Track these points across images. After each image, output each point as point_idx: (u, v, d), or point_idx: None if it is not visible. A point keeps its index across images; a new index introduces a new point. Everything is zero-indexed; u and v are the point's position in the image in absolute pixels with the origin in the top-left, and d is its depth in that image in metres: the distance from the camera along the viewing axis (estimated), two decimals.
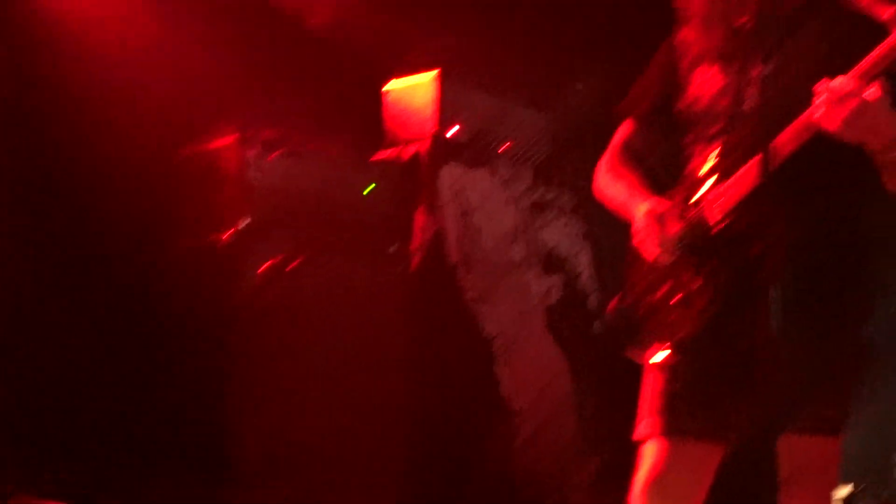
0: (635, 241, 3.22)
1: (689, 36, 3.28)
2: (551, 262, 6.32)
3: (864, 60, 2.74)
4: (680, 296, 3.18)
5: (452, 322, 5.84)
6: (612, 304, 3.45)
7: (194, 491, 5.05)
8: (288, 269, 4.96)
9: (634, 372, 3.40)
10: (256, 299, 5.00)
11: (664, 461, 3.20)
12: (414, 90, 6.12)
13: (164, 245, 5.48)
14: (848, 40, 2.93)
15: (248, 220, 5.31)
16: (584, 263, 6.48)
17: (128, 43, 5.73)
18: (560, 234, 6.41)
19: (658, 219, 3.17)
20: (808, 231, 2.96)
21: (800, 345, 2.95)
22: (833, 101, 2.71)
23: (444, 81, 6.07)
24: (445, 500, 5.71)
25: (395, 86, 6.17)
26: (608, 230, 3.56)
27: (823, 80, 2.74)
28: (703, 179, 3.18)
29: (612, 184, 3.45)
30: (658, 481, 3.19)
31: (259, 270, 5.00)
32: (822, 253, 3.04)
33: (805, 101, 2.94)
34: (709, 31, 3.21)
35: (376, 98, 6.21)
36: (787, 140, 2.90)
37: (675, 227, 3.15)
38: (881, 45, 2.73)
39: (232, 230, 5.29)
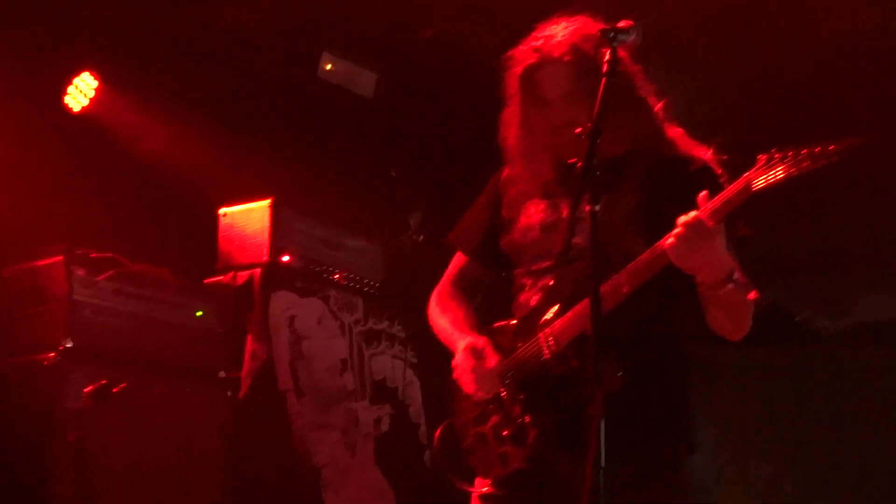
0: (454, 376, 3.29)
1: (516, 172, 3.42)
2: (381, 393, 6.34)
3: (712, 202, 2.90)
4: (510, 429, 3.24)
5: (281, 449, 5.78)
6: (439, 431, 3.50)
7: None
8: (113, 392, 4.85)
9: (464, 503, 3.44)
10: (80, 422, 4.87)
11: None
12: (248, 216, 6.14)
13: None
14: (668, 184, 3.13)
15: (71, 342, 5.20)
16: (413, 395, 6.52)
17: None
18: (391, 364, 6.45)
19: (475, 355, 3.24)
20: (635, 370, 3.06)
21: (624, 482, 3.03)
22: (684, 231, 2.86)
23: (279, 209, 6.11)
24: None
25: (230, 211, 6.18)
26: (439, 361, 3.62)
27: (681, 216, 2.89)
28: (535, 313, 3.28)
29: (440, 316, 3.54)
30: None
31: (83, 393, 4.88)
32: (648, 391, 3.15)
33: (630, 238, 3.11)
34: (537, 169, 3.36)
35: (210, 223, 6.21)
36: (628, 277, 3.03)
37: (493, 363, 3.22)
38: (726, 191, 2.90)
39: (55, 351, 5.17)
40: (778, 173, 2.80)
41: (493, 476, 3.29)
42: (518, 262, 3.40)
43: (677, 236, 2.88)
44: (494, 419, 3.30)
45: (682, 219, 2.88)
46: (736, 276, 2.97)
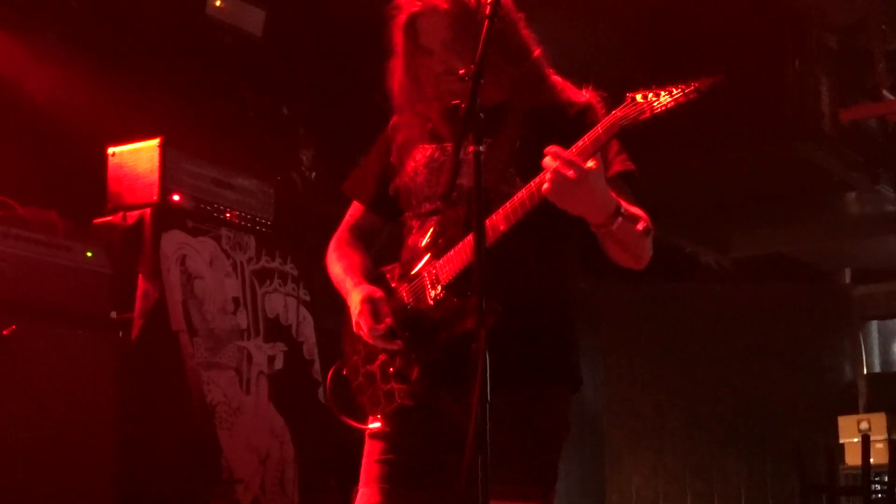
0: (354, 328, 3.34)
1: (403, 118, 3.47)
2: (275, 331, 6.36)
3: (581, 140, 2.99)
4: (395, 367, 3.32)
5: (175, 389, 5.79)
6: (330, 372, 3.55)
7: None
8: (3, 335, 4.82)
9: (358, 439, 3.50)
10: None
11: None
12: (137, 155, 6.09)
13: None
14: (549, 128, 3.20)
15: None
16: (306, 333, 6.55)
17: None
18: (284, 302, 6.47)
19: (373, 311, 3.29)
20: (517, 308, 3.14)
21: (511, 419, 3.12)
22: (558, 171, 2.92)
23: (168, 148, 6.07)
24: None
25: (118, 150, 6.13)
26: (331, 299, 3.67)
27: (551, 151, 2.95)
28: (420, 253, 3.35)
29: (334, 263, 3.60)
30: None
31: None
32: (531, 327, 3.25)
33: (510, 180, 3.20)
34: (422, 114, 3.42)
35: (99, 163, 6.15)
36: (505, 216, 3.10)
37: (388, 319, 3.28)
38: (595, 128, 2.99)
39: None
40: (644, 110, 2.90)
41: (381, 413, 3.37)
42: (407, 205, 3.48)
43: (551, 180, 2.95)
44: (382, 357, 3.37)
45: (549, 161, 2.95)
46: (623, 209, 3.06)
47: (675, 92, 2.87)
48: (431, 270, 3.28)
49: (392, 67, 3.45)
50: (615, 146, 3.21)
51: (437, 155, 3.40)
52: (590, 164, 2.95)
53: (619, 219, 3.05)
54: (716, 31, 7.00)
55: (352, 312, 3.36)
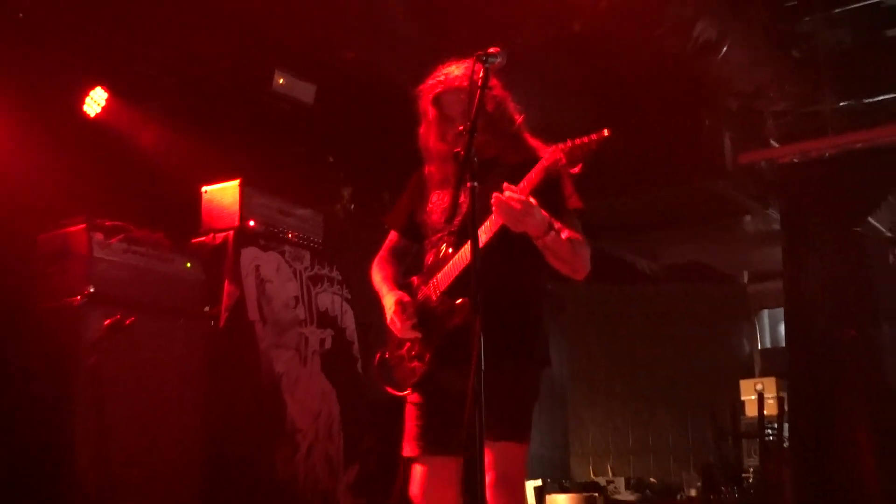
0: (388, 323, 3.46)
1: (431, 168, 3.53)
2: (324, 320, 6.38)
3: (522, 181, 3.16)
4: (416, 351, 3.40)
5: (251, 364, 5.82)
6: (377, 357, 3.62)
7: None
8: (125, 325, 4.84)
9: (386, 400, 3.55)
10: (99, 349, 4.84)
11: (425, 474, 3.40)
12: (223, 192, 6.14)
13: (27, 306, 5.28)
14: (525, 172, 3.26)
15: (93, 288, 5.17)
16: (348, 321, 6.57)
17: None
18: (331, 299, 6.48)
19: (404, 310, 3.36)
20: (497, 306, 3.21)
21: (495, 385, 3.15)
22: (504, 203, 3.10)
23: (245, 187, 6.12)
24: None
25: (208, 188, 6.19)
26: (365, 297, 3.71)
27: (503, 190, 3.12)
28: (429, 269, 3.47)
29: (375, 273, 3.73)
30: (425, 491, 3.40)
31: (103, 325, 4.86)
32: (508, 322, 3.33)
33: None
34: (445, 166, 3.48)
35: (195, 198, 6.20)
36: (485, 235, 3.18)
37: (414, 318, 3.39)
38: (529, 173, 3.16)
39: (80, 295, 5.14)
40: (561, 159, 3.00)
41: (410, 384, 3.45)
42: (426, 235, 3.57)
43: (496, 206, 3.12)
44: (407, 345, 3.50)
45: (495, 198, 3.11)
46: (556, 227, 3.17)
47: (581, 144, 3.00)
48: (436, 280, 3.36)
49: (424, 131, 3.54)
50: (570, 186, 3.30)
51: (447, 194, 3.46)
52: (529, 197, 3.10)
53: (552, 233, 3.13)
54: (647, 96, 7.02)
55: (386, 311, 3.46)
